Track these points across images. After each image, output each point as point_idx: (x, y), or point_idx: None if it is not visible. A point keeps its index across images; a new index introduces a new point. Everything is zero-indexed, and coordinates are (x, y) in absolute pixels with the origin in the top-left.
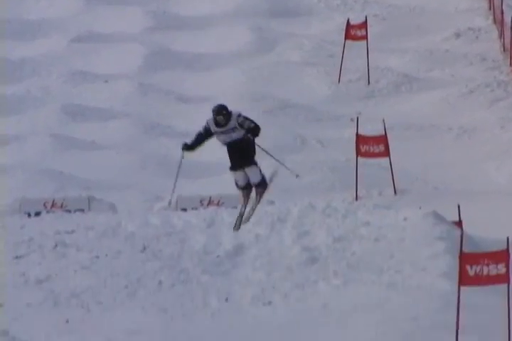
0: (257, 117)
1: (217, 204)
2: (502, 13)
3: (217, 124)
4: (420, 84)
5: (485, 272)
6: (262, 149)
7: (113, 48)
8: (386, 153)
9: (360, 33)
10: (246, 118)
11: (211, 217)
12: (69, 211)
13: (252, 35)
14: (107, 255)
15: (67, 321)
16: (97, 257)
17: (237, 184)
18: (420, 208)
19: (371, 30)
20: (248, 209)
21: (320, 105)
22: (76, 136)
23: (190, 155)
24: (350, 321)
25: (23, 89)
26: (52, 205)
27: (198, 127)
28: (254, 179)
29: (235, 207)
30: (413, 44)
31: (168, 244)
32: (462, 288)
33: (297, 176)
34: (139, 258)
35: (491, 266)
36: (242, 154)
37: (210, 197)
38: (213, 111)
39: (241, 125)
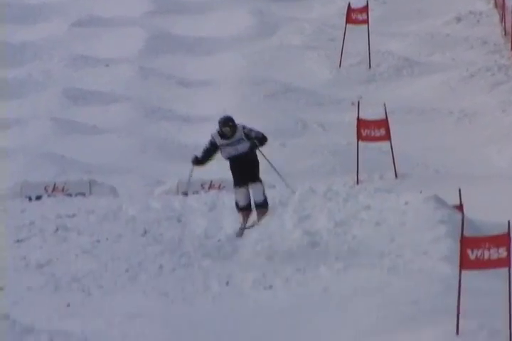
0: (258, 101)
1: (219, 188)
2: None
3: (223, 136)
4: (421, 68)
5: (486, 256)
6: (266, 159)
7: (114, 32)
8: (387, 136)
9: (361, 16)
10: (251, 129)
11: (212, 201)
12: (70, 195)
13: (252, 19)
14: (107, 239)
15: (68, 305)
16: (98, 241)
17: (237, 204)
18: (421, 192)
19: (372, 14)
20: (249, 223)
21: (321, 89)
22: (77, 119)
23: (198, 168)
24: (350, 305)
25: (25, 73)
26: (54, 189)
27: (199, 111)
28: (258, 198)
29: None
30: (414, 28)
31: (169, 228)
32: (463, 271)
33: (293, 192)
34: (139, 242)
35: (492, 250)
36: (247, 169)
37: (211, 181)
38: (220, 122)
39: (247, 135)
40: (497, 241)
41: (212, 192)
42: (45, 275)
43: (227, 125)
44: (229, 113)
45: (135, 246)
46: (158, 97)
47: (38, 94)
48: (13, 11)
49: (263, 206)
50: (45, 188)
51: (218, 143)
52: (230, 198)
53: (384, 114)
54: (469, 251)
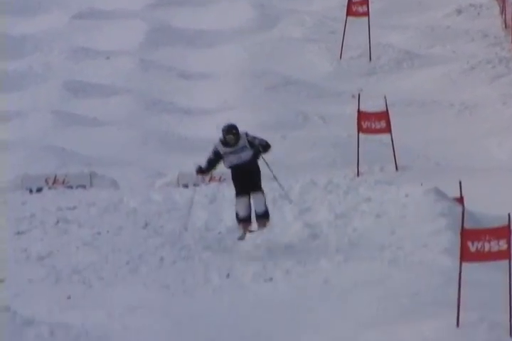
0: (259, 94)
1: (219, 180)
2: None
3: (226, 144)
4: (422, 60)
5: (486, 248)
6: (268, 166)
7: (114, 25)
8: (388, 129)
9: (361, 9)
10: (255, 137)
11: (213, 193)
12: (71, 187)
13: (253, 12)
14: (108, 231)
15: (69, 297)
16: (99, 233)
17: (237, 215)
18: (422, 184)
19: (373, 6)
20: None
21: (322, 81)
22: (78, 112)
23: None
24: (351, 297)
25: (25, 65)
26: (54, 181)
27: (199, 103)
28: (259, 208)
29: None
30: (414, 20)
31: (169, 221)
32: (464, 264)
33: (291, 202)
34: (140, 235)
35: (493, 242)
36: (249, 178)
37: (212, 173)
38: (223, 130)
39: (251, 142)
40: (497, 233)
41: (213, 184)
42: (46, 268)
43: (231, 133)
44: (230, 105)
45: (136, 239)
46: (159, 90)
47: (38, 87)
48: (14, 3)
49: (264, 217)
50: (45, 180)
51: (221, 152)
52: (230, 190)
53: (384, 106)
54: (470, 244)
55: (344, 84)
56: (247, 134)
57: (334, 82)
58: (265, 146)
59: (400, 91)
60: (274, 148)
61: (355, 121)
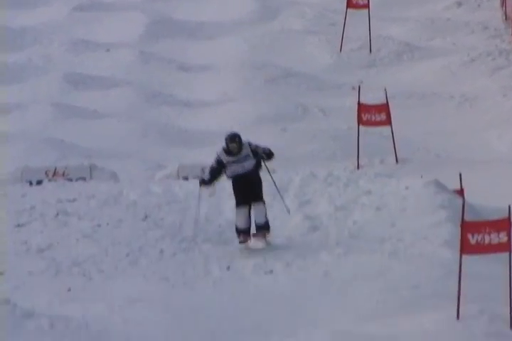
0: (259, 86)
1: None
2: None
3: (229, 153)
4: (422, 52)
5: (486, 240)
6: (270, 174)
7: (115, 17)
8: (388, 121)
9: (361, 1)
10: (258, 145)
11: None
12: (71, 179)
13: (254, 4)
14: (108, 223)
15: (69, 289)
16: (99, 226)
17: (236, 227)
18: (422, 177)
19: None
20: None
21: (322, 74)
22: (78, 104)
23: (207, 190)
24: (351, 290)
25: (25, 57)
26: (54, 174)
27: (200, 96)
28: (259, 220)
29: None
30: (415, 12)
31: (169, 213)
32: (464, 256)
33: (289, 212)
34: (140, 227)
35: (493, 235)
36: (251, 188)
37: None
38: (226, 138)
39: (255, 151)
40: (497, 225)
41: None
42: (46, 260)
43: (234, 141)
44: (230, 97)
45: (136, 231)
46: (159, 82)
47: (38, 79)
48: None
49: (264, 228)
50: (45, 173)
51: (224, 161)
52: (230, 182)
53: (385, 98)
54: (470, 236)
55: (344, 77)
56: (250, 143)
57: (334, 74)
58: (269, 154)
59: (400, 83)
60: (274, 141)
61: (355, 113)
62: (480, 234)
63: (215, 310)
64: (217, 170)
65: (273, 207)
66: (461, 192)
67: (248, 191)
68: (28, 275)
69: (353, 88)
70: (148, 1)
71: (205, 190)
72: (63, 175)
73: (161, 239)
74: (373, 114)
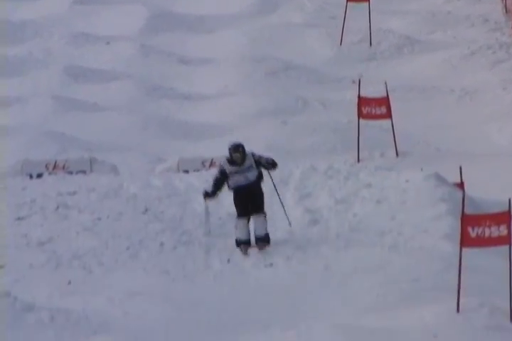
0: (259, 79)
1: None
2: None
3: (233, 163)
4: (422, 46)
5: (487, 233)
6: (272, 183)
7: (115, 10)
8: (388, 114)
9: None
10: (261, 156)
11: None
12: (71, 172)
13: None
14: (108, 217)
15: (70, 282)
16: (99, 219)
17: (237, 239)
18: (422, 170)
19: None
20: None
21: (322, 67)
22: (78, 97)
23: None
24: (351, 283)
25: (25, 50)
26: (54, 167)
27: (200, 89)
28: (259, 232)
29: None
30: (415, 6)
31: (170, 206)
32: (464, 249)
33: (290, 224)
34: (140, 220)
35: (493, 228)
36: (252, 200)
37: (212, 159)
38: (230, 148)
39: (258, 162)
40: (497, 218)
41: (213, 170)
42: (46, 253)
43: (238, 151)
44: (230, 90)
45: (136, 224)
46: (159, 75)
47: (38, 72)
48: None
49: (264, 240)
50: (46, 166)
51: (228, 171)
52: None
53: (385, 91)
54: (470, 229)
55: (344, 70)
56: (253, 154)
57: (334, 67)
58: (272, 164)
59: (401, 76)
60: (274, 134)
61: (356, 106)
62: (480, 227)
63: (215, 303)
64: (221, 181)
65: (272, 201)
66: (461, 185)
67: (249, 203)
68: (28, 268)
69: (353, 81)
70: None
71: (210, 203)
72: (63, 168)
73: (162, 232)
74: (373, 107)
